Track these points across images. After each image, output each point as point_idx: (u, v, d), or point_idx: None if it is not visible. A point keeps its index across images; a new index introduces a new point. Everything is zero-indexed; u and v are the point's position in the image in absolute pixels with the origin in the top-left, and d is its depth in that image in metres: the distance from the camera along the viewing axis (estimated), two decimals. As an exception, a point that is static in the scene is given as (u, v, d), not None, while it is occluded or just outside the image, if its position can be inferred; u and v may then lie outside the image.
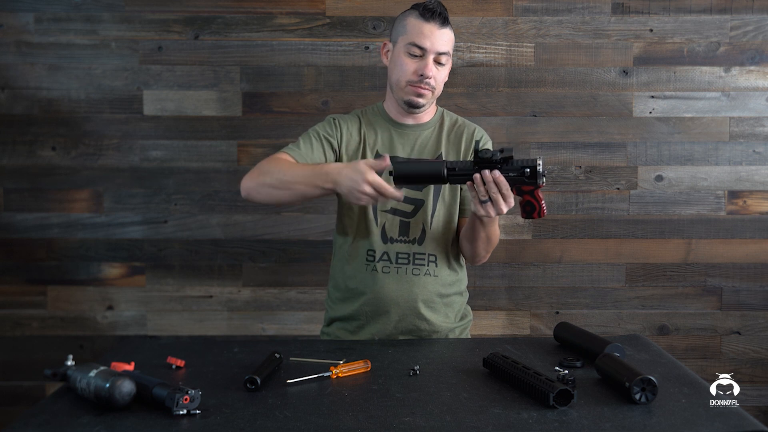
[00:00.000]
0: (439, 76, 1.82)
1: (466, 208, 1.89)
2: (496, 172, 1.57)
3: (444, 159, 1.87)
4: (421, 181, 1.61)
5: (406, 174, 1.63)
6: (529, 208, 1.62)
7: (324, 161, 1.84)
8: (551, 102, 2.61)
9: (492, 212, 1.61)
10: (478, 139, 1.89)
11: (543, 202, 1.61)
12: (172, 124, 2.59)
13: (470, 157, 1.87)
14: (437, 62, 1.80)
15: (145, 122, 2.59)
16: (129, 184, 2.60)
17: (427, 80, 1.80)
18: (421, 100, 1.84)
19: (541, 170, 1.57)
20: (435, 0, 1.81)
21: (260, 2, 2.58)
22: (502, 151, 1.57)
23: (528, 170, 1.58)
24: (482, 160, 1.58)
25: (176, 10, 2.57)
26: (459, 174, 1.60)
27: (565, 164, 2.63)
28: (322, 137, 1.86)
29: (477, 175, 1.58)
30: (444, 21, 1.79)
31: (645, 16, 2.60)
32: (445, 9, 1.81)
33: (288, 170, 1.72)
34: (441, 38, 1.79)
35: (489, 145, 1.92)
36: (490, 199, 1.59)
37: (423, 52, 1.79)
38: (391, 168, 1.61)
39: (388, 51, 1.88)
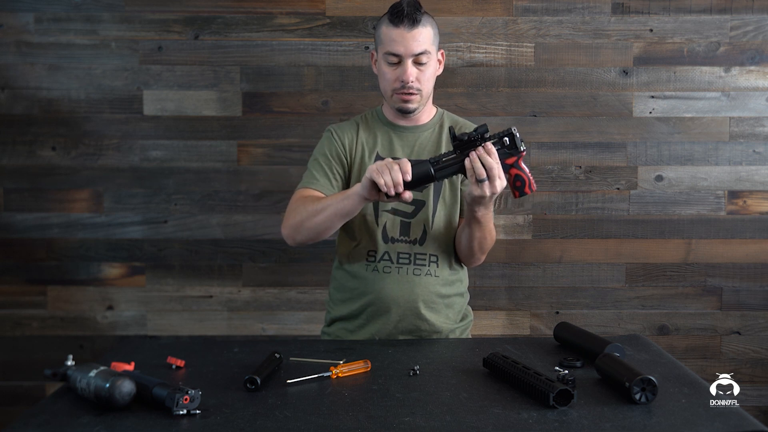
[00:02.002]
0: (422, 76, 1.81)
1: (465, 208, 1.88)
2: (488, 144, 1.59)
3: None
4: (415, 185, 1.61)
5: None
6: (519, 183, 1.63)
7: (344, 179, 1.87)
8: (551, 102, 2.61)
9: (487, 190, 1.61)
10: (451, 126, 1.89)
11: (530, 173, 1.62)
12: (172, 124, 2.59)
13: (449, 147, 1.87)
14: (417, 63, 1.79)
15: (145, 122, 2.59)
16: (129, 184, 2.60)
17: (410, 85, 1.80)
18: (410, 106, 1.84)
19: (518, 136, 1.60)
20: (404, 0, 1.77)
21: (260, 2, 2.58)
22: (476, 130, 1.59)
23: (507, 139, 1.60)
24: (464, 143, 1.59)
25: (176, 10, 2.57)
26: (446, 166, 1.62)
27: (565, 164, 2.63)
28: (330, 156, 1.87)
29: (467, 161, 1.59)
30: (413, 22, 1.75)
31: (645, 16, 2.60)
32: (417, 7, 1.76)
33: (319, 200, 1.76)
34: (413, 40, 1.76)
35: None
36: (488, 176, 1.59)
37: (399, 59, 1.78)
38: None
39: (375, 60, 1.88)
